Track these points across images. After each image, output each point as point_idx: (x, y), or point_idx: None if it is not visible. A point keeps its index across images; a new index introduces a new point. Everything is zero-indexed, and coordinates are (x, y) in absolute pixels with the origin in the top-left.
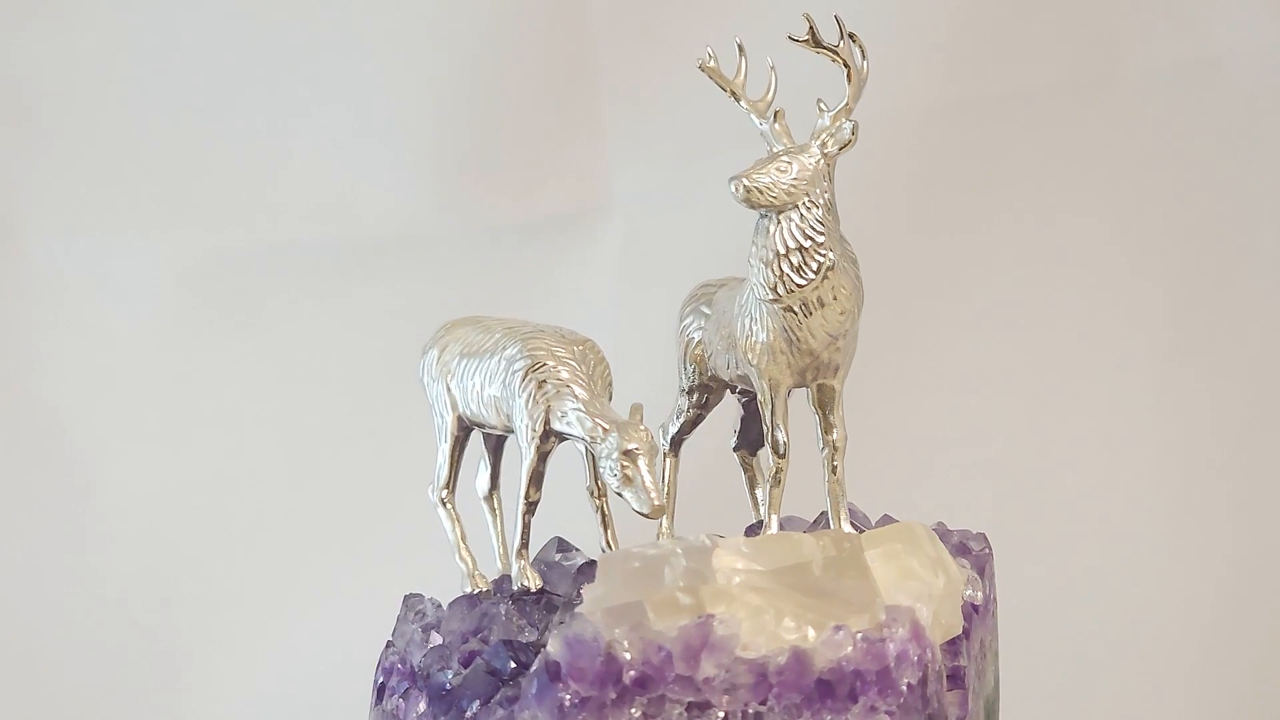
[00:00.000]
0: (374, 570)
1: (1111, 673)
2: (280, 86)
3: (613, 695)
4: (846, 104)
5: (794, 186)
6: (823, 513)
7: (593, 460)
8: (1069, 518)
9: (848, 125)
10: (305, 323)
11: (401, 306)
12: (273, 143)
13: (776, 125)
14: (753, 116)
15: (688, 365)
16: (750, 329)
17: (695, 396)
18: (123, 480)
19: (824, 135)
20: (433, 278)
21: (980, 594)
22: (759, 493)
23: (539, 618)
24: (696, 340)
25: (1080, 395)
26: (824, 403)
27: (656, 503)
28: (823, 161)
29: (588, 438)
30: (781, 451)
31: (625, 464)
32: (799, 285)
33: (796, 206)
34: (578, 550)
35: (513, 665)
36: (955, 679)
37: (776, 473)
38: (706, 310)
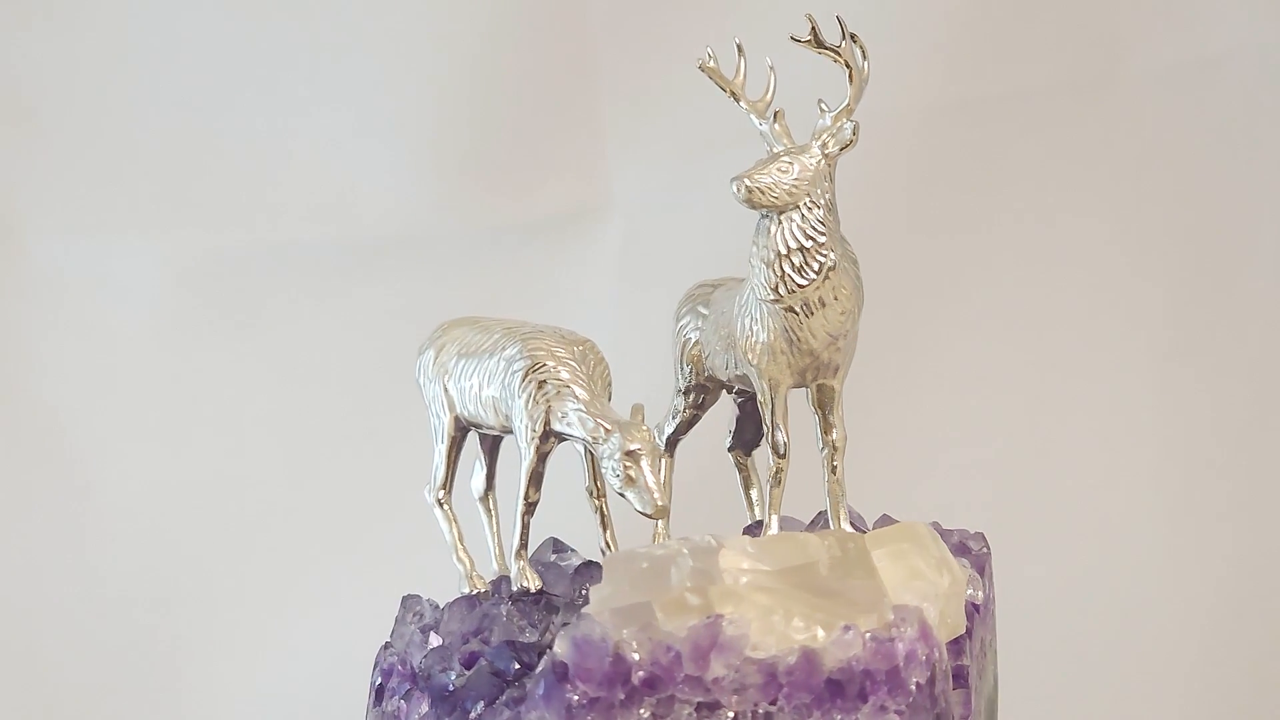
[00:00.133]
0: (374, 570)
1: (1111, 672)
2: (280, 86)
3: (621, 696)
4: (848, 104)
5: (795, 187)
6: (820, 513)
7: (592, 460)
8: (1068, 517)
9: (848, 125)
10: (305, 323)
11: (401, 306)
12: (273, 143)
13: (776, 125)
14: (752, 117)
15: (684, 365)
16: (751, 329)
17: (691, 397)
18: (123, 480)
19: (825, 135)
20: (433, 278)
21: (981, 593)
22: (753, 493)
23: (539, 618)
24: (693, 340)
25: (1080, 395)
26: (823, 403)
27: (660, 503)
28: (823, 162)
29: (589, 438)
30: (782, 452)
31: (628, 464)
32: (800, 285)
33: (798, 207)
34: (573, 550)
35: (516, 666)
36: (959, 678)
37: (777, 473)
38: (703, 310)
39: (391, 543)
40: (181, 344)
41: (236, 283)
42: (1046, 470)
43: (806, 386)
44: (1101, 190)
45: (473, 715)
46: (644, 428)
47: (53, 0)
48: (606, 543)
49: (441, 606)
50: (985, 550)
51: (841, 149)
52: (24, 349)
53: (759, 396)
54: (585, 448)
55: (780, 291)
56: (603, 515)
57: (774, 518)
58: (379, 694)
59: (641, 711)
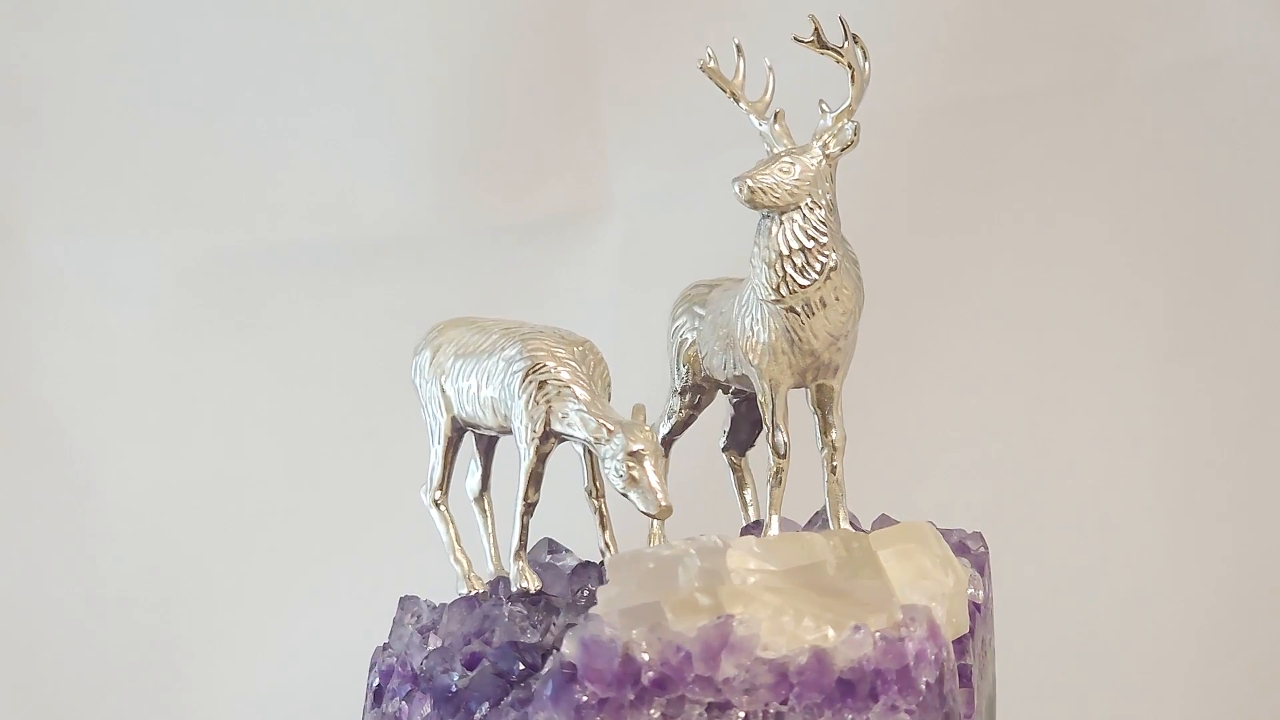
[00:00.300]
0: (374, 570)
1: (1110, 672)
2: (280, 86)
3: (631, 696)
4: (849, 105)
5: (797, 187)
6: (817, 513)
7: (591, 461)
8: (1068, 517)
9: (849, 126)
10: (305, 323)
11: (401, 306)
12: (273, 143)
13: (776, 126)
14: (752, 118)
15: (681, 366)
16: (751, 329)
17: (688, 397)
18: (123, 480)
19: (826, 136)
20: (433, 278)
21: (981, 593)
22: (747, 494)
23: (540, 619)
24: (690, 341)
25: (1080, 395)
26: (823, 403)
27: (663, 503)
28: (825, 162)
29: (591, 439)
30: (782, 452)
31: (631, 465)
32: (802, 286)
33: (799, 207)
34: (568, 551)
35: (520, 667)
36: (963, 677)
37: (777, 472)
38: (700, 311)
39: (391, 543)
40: (181, 344)
41: (236, 283)
42: (1046, 470)
43: (806, 387)
44: (1101, 190)
45: (477, 716)
46: (646, 428)
47: (53, 0)
48: (606, 543)
49: (439, 607)
50: (984, 550)
51: (843, 149)
52: (24, 349)
53: (759, 397)
54: (584, 448)
55: (782, 292)
56: (602, 515)
57: (774, 518)
58: (377, 695)
59: (651, 712)
